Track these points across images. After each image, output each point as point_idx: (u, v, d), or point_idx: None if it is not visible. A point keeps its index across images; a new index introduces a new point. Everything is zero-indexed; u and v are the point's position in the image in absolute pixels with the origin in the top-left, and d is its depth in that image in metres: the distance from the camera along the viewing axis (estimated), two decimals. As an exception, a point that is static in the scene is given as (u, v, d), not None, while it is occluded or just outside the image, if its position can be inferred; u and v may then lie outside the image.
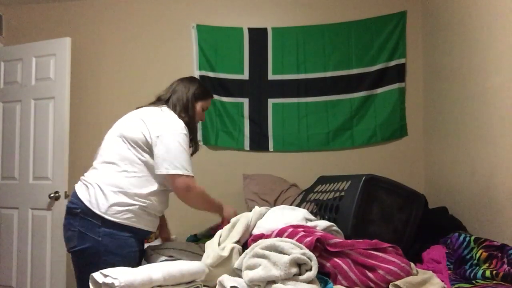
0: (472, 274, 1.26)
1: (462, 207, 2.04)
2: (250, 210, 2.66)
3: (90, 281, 1.06)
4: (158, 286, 1.07)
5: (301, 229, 1.25)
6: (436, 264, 1.42)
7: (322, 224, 1.37)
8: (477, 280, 1.23)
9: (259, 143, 2.91)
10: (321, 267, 1.11)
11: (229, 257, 1.23)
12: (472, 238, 1.43)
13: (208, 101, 1.88)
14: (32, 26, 3.19)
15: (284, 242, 1.10)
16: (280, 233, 1.25)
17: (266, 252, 1.07)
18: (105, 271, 1.05)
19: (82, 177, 1.62)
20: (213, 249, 1.28)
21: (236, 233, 1.34)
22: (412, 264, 1.22)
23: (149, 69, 3.00)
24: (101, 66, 3.08)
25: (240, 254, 1.24)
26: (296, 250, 1.07)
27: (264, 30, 2.93)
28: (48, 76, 2.82)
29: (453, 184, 2.20)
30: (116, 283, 0.99)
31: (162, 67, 2.98)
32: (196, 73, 2.93)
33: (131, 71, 3.02)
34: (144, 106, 1.74)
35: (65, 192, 2.70)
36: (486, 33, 1.81)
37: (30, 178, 2.82)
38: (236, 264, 1.18)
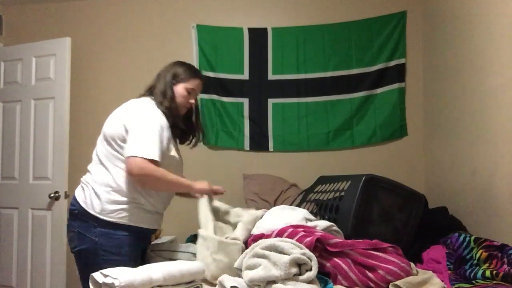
0: (472, 274, 1.27)
1: (462, 207, 2.04)
2: (250, 210, 2.66)
3: (90, 281, 1.06)
4: (158, 286, 1.07)
5: (301, 229, 1.25)
6: (436, 264, 1.42)
7: (322, 224, 1.37)
8: (477, 280, 1.23)
9: (259, 143, 2.91)
10: (321, 267, 1.11)
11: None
12: (472, 238, 1.43)
13: (194, 82, 1.72)
14: (32, 26, 3.19)
15: (284, 242, 1.10)
16: (280, 233, 1.25)
17: (266, 252, 1.07)
18: (105, 271, 1.05)
19: (81, 179, 1.62)
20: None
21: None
22: (412, 264, 1.22)
23: (149, 69, 2.97)
24: (101, 66, 3.08)
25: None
26: (296, 250, 1.07)
27: (264, 30, 2.93)
28: (48, 76, 2.82)
29: (453, 184, 2.20)
30: (116, 283, 0.99)
31: (162, 67, 2.97)
32: (196, 73, 2.93)
33: (131, 71, 3.02)
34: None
35: (65, 192, 2.70)
36: (486, 33, 1.81)
37: (30, 178, 2.82)
38: (236, 264, 1.18)
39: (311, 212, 1.63)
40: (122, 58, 3.06)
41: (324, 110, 2.87)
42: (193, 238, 2.18)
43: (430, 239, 1.63)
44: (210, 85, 2.91)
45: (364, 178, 1.56)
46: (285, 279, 1.01)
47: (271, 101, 2.92)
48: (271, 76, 2.93)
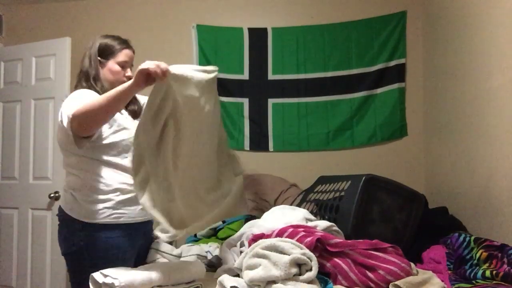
0: (472, 274, 1.26)
1: (462, 207, 2.04)
2: (251, 210, 2.67)
3: (90, 281, 1.06)
4: (158, 286, 1.07)
5: (302, 229, 1.25)
6: (436, 264, 1.42)
7: (322, 224, 1.37)
8: (477, 280, 1.23)
9: (259, 143, 2.91)
10: (321, 267, 1.11)
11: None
12: (472, 238, 1.43)
13: (122, 54, 1.58)
14: (32, 26, 3.19)
15: (284, 242, 1.10)
16: (280, 233, 1.25)
17: (266, 252, 1.07)
18: (105, 271, 1.05)
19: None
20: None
21: None
22: (412, 264, 1.22)
23: (149, 69, 2.99)
24: (101, 66, 3.08)
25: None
26: (296, 250, 1.07)
27: (264, 30, 2.93)
28: (48, 76, 2.82)
29: (453, 184, 2.20)
30: (116, 283, 0.99)
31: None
32: (196, 73, 2.93)
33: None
34: None
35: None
36: (486, 33, 1.81)
37: (30, 178, 2.82)
38: (236, 263, 1.18)
39: (311, 212, 1.63)
40: (122, 58, 3.06)
41: (324, 110, 2.87)
42: (193, 238, 2.17)
43: (430, 239, 1.63)
44: (210, 85, 2.92)
45: (364, 178, 1.56)
46: (285, 279, 1.01)
47: (271, 101, 2.92)
48: (271, 76, 2.93)
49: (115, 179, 1.50)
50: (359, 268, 1.13)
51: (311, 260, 1.05)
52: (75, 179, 1.52)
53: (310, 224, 1.37)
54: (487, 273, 1.22)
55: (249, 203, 2.65)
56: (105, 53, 1.58)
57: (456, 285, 1.23)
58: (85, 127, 1.33)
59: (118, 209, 1.49)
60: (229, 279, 1.08)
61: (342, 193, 1.68)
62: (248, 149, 2.92)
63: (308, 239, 1.15)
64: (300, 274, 1.04)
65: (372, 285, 1.10)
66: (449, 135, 2.29)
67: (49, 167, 2.76)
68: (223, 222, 2.25)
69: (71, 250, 1.48)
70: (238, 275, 1.18)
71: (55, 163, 2.75)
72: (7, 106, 2.94)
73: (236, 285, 1.04)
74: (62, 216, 1.53)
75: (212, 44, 2.95)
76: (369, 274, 1.11)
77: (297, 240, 1.15)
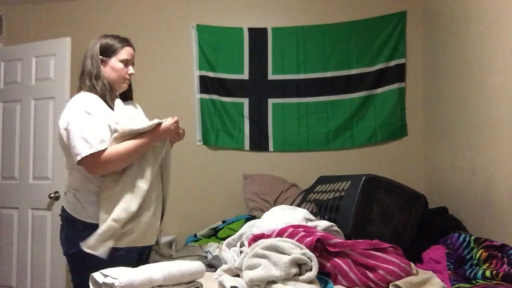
0: (472, 274, 1.27)
1: (462, 207, 2.04)
2: (251, 210, 2.67)
3: (90, 281, 1.06)
4: (158, 286, 1.07)
5: (302, 229, 1.25)
6: (436, 264, 1.42)
7: (322, 224, 1.37)
8: (477, 280, 1.23)
9: (259, 143, 2.91)
10: (321, 267, 1.11)
11: None
12: (472, 238, 1.43)
13: (124, 51, 1.60)
14: (32, 26, 3.19)
15: (284, 242, 1.10)
16: (280, 233, 1.25)
17: (266, 252, 1.07)
18: (105, 271, 1.05)
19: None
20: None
21: None
22: (412, 264, 1.22)
23: (149, 69, 2.99)
24: (101, 66, 3.08)
25: None
26: (297, 250, 1.07)
27: (264, 30, 2.93)
28: (48, 76, 2.81)
29: (453, 184, 2.20)
30: (116, 283, 0.99)
31: (162, 67, 2.98)
32: (196, 73, 2.93)
33: (131, 71, 3.02)
34: None
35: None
36: (486, 33, 1.81)
37: (30, 178, 2.82)
38: (236, 263, 1.18)
39: (311, 212, 1.63)
40: (122, 58, 3.06)
41: (324, 110, 2.87)
42: (193, 238, 2.18)
43: (430, 239, 1.63)
44: (210, 85, 2.91)
45: (364, 178, 1.56)
46: (285, 279, 1.01)
47: (271, 101, 2.92)
48: (271, 76, 2.93)
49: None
50: (359, 268, 1.13)
51: (311, 260, 1.05)
52: (77, 179, 1.53)
53: (310, 224, 1.37)
54: (487, 273, 1.22)
55: (249, 203, 2.65)
56: (107, 51, 1.59)
57: (456, 285, 1.23)
58: (95, 170, 1.44)
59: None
60: (229, 279, 1.08)
61: (342, 193, 1.68)
62: (248, 149, 2.92)
63: (308, 239, 1.15)
64: (300, 274, 1.04)
65: (372, 285, 1.10)
66: (449, 135, 2.29)
67: (49, 167, 2.76)
68: (223, 222, 2.26)
69: (72, 250, 1.48)
70: (238, 275, 1.18)
71: (55, 163, 2.74)
72: (7, 106, 2.94)
73: (236, 285, 1.04)
74: (65, 216, 1.53)
75: (212, 44, 2.95)
76: (369, 274, 1.11)
77: (297, 240, 1.15)
